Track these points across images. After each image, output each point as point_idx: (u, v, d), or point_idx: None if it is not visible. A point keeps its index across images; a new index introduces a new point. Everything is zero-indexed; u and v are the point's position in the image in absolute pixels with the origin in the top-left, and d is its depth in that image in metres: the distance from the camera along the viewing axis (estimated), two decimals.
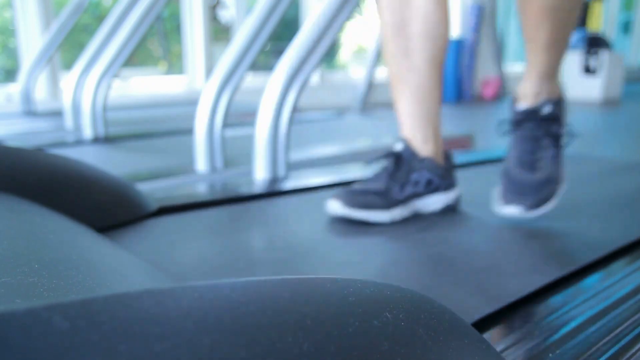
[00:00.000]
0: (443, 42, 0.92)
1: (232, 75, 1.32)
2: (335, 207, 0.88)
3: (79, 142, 1.77)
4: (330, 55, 4.94)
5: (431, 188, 0.93)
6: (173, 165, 1.38)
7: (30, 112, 2.43)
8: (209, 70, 3.71)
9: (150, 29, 1.85)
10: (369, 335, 0.29)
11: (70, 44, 3.21)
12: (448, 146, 1.03)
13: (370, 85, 2.87)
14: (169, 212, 0.92)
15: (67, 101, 2.01)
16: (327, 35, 1.18)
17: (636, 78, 6.74)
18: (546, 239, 0.84)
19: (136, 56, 3.59)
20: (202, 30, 3.71)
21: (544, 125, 0.93)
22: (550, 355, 0.49)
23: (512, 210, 0.88)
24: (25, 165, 0.75)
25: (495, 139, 1.06)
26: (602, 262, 0.74)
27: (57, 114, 2.25)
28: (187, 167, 1.35)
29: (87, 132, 1.82)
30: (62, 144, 1.71)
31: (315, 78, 4.29)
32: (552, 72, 0.94)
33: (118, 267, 0.53)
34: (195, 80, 3.83)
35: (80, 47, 2.27)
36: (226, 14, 4.11)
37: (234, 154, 1.41)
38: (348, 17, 1.20)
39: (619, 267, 0.72)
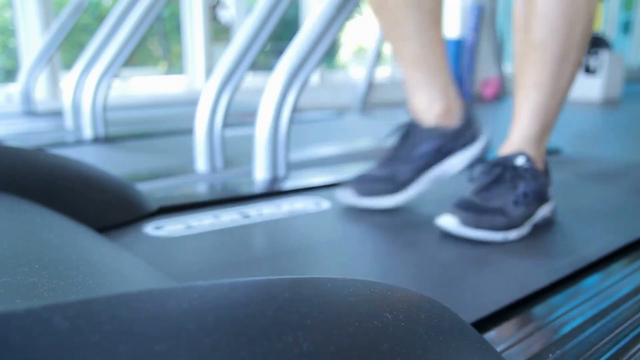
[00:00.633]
0: (428, 5, 0.88)
1: (232, 75, 1.32)
2: (344, 196, 0.92)
3: (79, 142, 1.77)
4: (330, 55, 4.94)
5: (442, 154, 0.92)
6: (173, 165, 1.38)
7: (30, 112, 2.43)
8: (209, 70, 3.71)
9: (150, 29, 1.85)
10: (369, 335, 0.29)
11: (70, 44, 3.21)
12: None
13: (370, 85, 2.87)
14: (169, 212, 0.92)
15: (67, 101, 2.00)
16: (327, 35, 1.18)
17: (636, 78, 6.74)
18: (546, 239, 0.84)
19: (136, 56, 3.59)
20: (202, 30, 3.71)
21: (512, 174, 0.85)
22: (550, 355, 0.49)
23: (446, 221, 0.80)
24: (25, 165, 0.75)
25: (495, 139, 1.06)
26: (602, 262, 0.74)
27: (57, 114, 2.25)
28: (187, 167, 1.35)
29: (87, 132, 1.82)
30: (62, 144, 1.71)
31: (315, 78, 4.29)
32: (537, 133, 0.87)
33: (118, 267, 0.53)
34: (195, 80, 3.83)
35: (80, 47, 2.27)
36: (226, 14, 4.11)
37: (234, 154, 1.41)
38: (348, 17, 1.20)
39: (619, 267, 0.72)
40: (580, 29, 0.83)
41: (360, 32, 5.01)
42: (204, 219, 0.90)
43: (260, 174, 1.21)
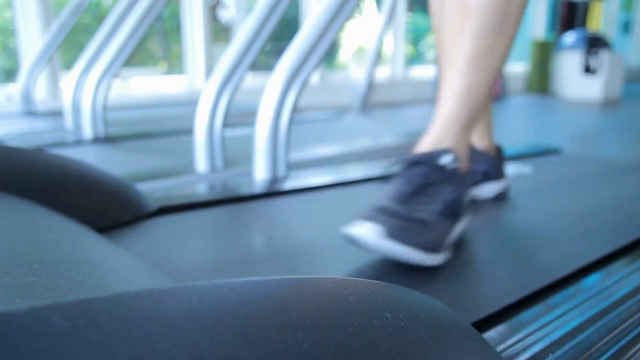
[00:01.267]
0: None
1: (232, 75, 1.32)
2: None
3: (79, 142, 1.77)
4: (330, 55, 4.94)
5: (485, 177, 1.00)
6: (173, 165, 1.38)
7: (30, 112, 2.43)
8: (209, 70, 3.71)
9: (150, 29, 1.85)
10: (369, 335, 0.29)
11: (70, 44, 3.21)
12: None
13: (370, 85, 2.87)
14: (169, 212, 0.92)
15: (67, 101, 2.00)
16: (327, 35, 1.18)
17: (636, 78, 6.74)
18: (546, 239, 0.84)
19: (136, 56, 3.59)
20: (202, 30, 3.71)
21: (437, 174, 0.71)
22: (550, 355, 0.49)
23: (362, 230, 0.63)
24: (25, 165, 0.75)
25: (495, 138, 1.07)
26: (602, 262, 0.74)
27: (57, 114, 2.25)
28: (187, 167, 1.34)
29: (87, 132, 1.82)
30: (62, 144, 1.71)
31: (315, 78, 4.29)
32: (468, 116, 0.76)
33: (118, 267, 0.53)
34: (195, 80, 3.83)
35: (80, 47, 2.27)
36: (226, 14, 4.11)
37: (234, 154, 1.41)
38: (348, 17, 1.20)
39: (619, 267, 0.72)
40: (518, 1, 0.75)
41: (360, 32, 5.01)
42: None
43: (260, 174, 1.21)
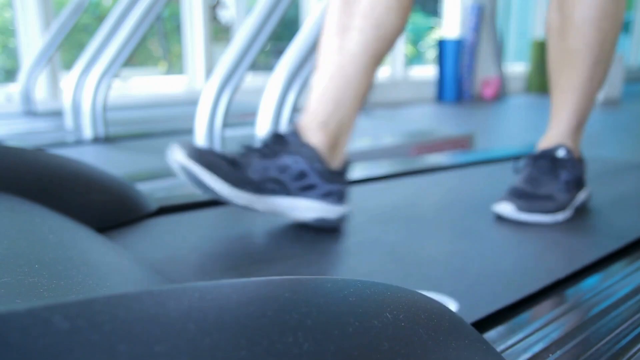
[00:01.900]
0: (387, 33, 0.80)
1: (232, 75, 1.32)
2: (176, 154, 0.78)
3: (79, 142, 1.77)
4: None
5: (302, 184, 0.77)
6: None
7: (30, 112, 2.43)
8: (209, 70, 3.72)
9: (150, 29, 1.85)
10: (369, 335, 0.29)
11: (70, 44, 3.21)
12: (448, 146, 1.03)
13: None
14: (169, 212, 0.92)
15: (67, 101, 2.01)
16: None
17: (636, 78, 6.75)
18: (546, 239, 0.84)
19: (136, 56, 3.59)
20: (202, 30, 3.71)
21: (556, 165, 0.95)
22: (550, 355, 0.49)
23: (503, 207, 0.89)
24: (25, 165, 0.75)
25: (495, 139, 1.07)
26: (602, 262, 0.74)
27: (57, 114, 2.25)
28: None
29: (87, 132, 1.82)
30: (62, 144, 1.72)
31: None
32: (574, 127, 0.98)
33: (118, 267, 0.53)
34: (195, 80, 3.83)
35: (80, 47, 2.27)
36: (226, 14, 4.11)
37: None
38: None
39: (619, 267, 0.72)
40: (611, 36, 0.93)
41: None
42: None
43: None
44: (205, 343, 0.23)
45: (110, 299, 0.23)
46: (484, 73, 5.56)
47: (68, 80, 2.04)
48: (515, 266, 0.72)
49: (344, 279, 0.33)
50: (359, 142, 1.80)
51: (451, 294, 0.63)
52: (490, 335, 0.54)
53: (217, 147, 1.32)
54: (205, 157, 0.74)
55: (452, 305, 0.58)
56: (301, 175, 0.77)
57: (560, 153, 0.94)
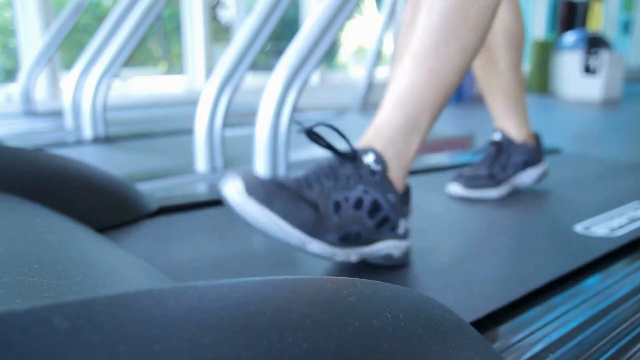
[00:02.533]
0: (522, 50, 1.09)
1: (232, 75, 1.32)
2: (456, 189, 1.05)
3: (79, 142, 1.77)
4: (330, 55, 4.94)
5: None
6: (173, 165, 1.38)
7: (30, 112, 2.43)
8: (209, 70, 3.72)
9: (150, 29, 1.85)
10: (369, 335, 0.29)
11: (70, 44, 3.21)
12: (448, 146, 1.03)
13: (370, 85, 2.87)
14: (169, 212, 0.92)
15: (67, 101, 2.00)
16: (327, 35, 1.18)
17: (636, 78, 6.74)
18: (545, 239, 0.84)
19: (136, 56, 3.59)
20: (202, 30, 3.71)
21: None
22: (550, 355, 0.49)
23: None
24: (25, 165, 0.75)
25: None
26: (602, 262, 0.74)
27: (57, 114, 2.25)
28: (187, 167, 1.34)
29: (87, 132, 1.82)
30: (62, 144, 1.71)
31: (315, 78, 4.29)
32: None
33: (118, 267, 0.53)
34: (195, 80, 3.83)
35: (80, 47, 2.27)
36: (226, 14, 4.11)
37: (234, 154, 1.41)
38: (348, 17, 1.20)
39: (619, 267, 0.72)
40: (479, 8, 0.70)
41: (360, 32, 5.01)
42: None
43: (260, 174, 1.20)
44: (205, 343, 0.23)
45: (110, 299, 0.23)
46: None
47: (68, 80, 2.04)
48: (515, 266, 0.72)
49: (344, 278, 0.33)
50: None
51: (451, 293, 0.63)
52: (490, 335, 0.54)
53: (217, 147, 1.32)
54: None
55: None
56: (525, 162, 1.11)
57: (367, 159, 0.70)
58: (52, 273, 0.42)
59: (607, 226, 0.88)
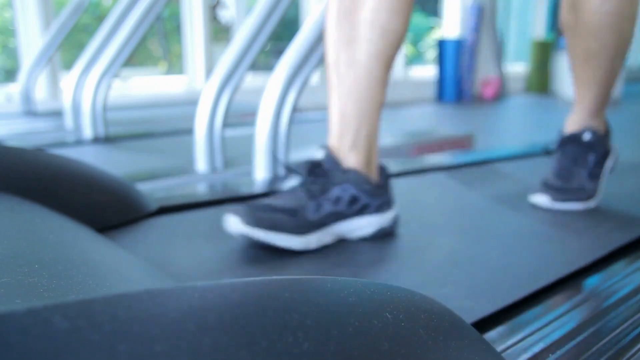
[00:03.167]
0: (395, 38, 0.79)
1: (232, 75, 1.32)
2: (233, 223, 0.72)
3: (79, 142, 1.77)
4: None
5: (357, 207, 0.78)
6: (173, 165, 1.38)
7: (30, 112, 2.43)
8: (209, 70, 3.72)
9: (150, 29, 1.85)
10: (369, 335, 0.29)
11: (70, 44, 3.21)
12: (448, 146, 1.03)
13: None
14: (169, 212, 0.92)
15: (67, 101, 2.01)
16: None
17: (636, 78, 6.75)
18: (545, 240, 0.84)
19: (136, 56, 3.59)
20: (202, 30, 3.71)
21: (583, 149, 1.02)
22: (550, 355, 0.49)
23: (539, 199, 0.99)
24: (25, 165, 0.75)
25: (495, 139, 1.08)
26: (602, 262, 0.74)
27: (57, 114, 2.25)
28: (187, 167, 1.35)
29: (87, 132, 1.82)
30: (62, 144, 1.71)
31: (315, 78, 4.29)
32: (596, 111, 1.03)
33: (118, 267, 0.53)
34: (195, 80, 3.83)
35: (80, 47, 2.27)
36: (226, 14, 4.11)
37: (234, 154, 1.41)
38: None
39: (619, 267, 0.72)
40: (627, 36, 0.96)
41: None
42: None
43: (260, 174, 1.21)
44: (205, 343, 0.23)
45: (110, 299, 0.23)
46: (484, 73, 5.56)
47: (68, 80, 2.04)
48: (514, 266, 0.72)
49: (344, 279, 0.33)
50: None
51: (451, 293, 0.63)
52: (490, 335, 0.54)
53: (217, 147, 1.32)
54: (264, 218, 0.73)
55: None
56: (353, 200, 0.79)
57: (586, 137, 1.01)
58: (52, 273, 0.42)
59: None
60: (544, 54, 5.86)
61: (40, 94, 3.04)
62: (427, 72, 5.64)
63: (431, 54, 6.04)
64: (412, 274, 0.70)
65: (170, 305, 0.24)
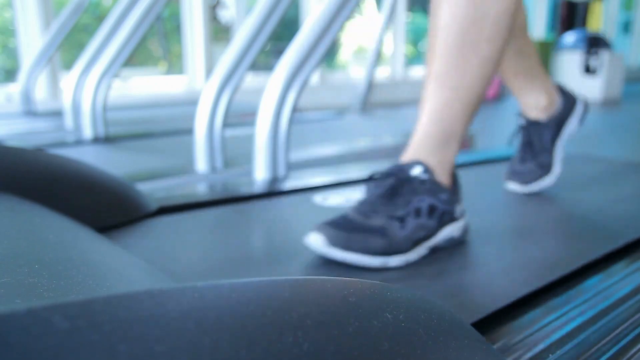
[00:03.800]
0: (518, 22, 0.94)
1: (232, 75, 1.32)
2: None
3: (79, 142, 1.77)
4: (330, 55, 4.94)
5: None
6: (173, 165, 1.38)
7: (30, 112, 2.43)
8: (209, 70, 3.71)
9: (150, 29, 1.85)
10: (369, 335, 0.29)
11: (70, 44, 3.21)
12: None
13: (370, 85, 2.87)
14: (169, 212, 0.92)
15: (67, 101, 2.01)
16: (327, 35, 1.18)
17: (636, 78, 6.74)
18: (545, 240, 0.84)
19: (136, 56, 3.59)
20: (202, 30, 3.71)
21: (407, 187, 0.76)
22: (550, 355, 0.49)
23: (313, 239, 0.71)
24: (25, 165, 0.75)
25: (495, 138, 1.08)
26: (602, 262, 0.74)
27: (57, 114, 2.25)
28: (187, 167, 1.34)
29: (87, 132, 1.82)
30: (62, 144, 1.71)
31: (315, 78, 4.29)
32: (438, 142, 0.80)
33: (118, 267, 0.53)
34: (195, 80, 3.83)
35: (80, 47, 2.27)
36: (226, 14, 4.11)
37: (234, 154, 1.41)
38: (348, 17, 1.20)
39: (619, 267, 0.72)
40: (493, 17, 0.73)
41: (360, 32, 5.01)
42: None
43: (260, 174, 1.21)
44: (205, 343, 0.23)
45: (110, 299, 0.23)
46: None
47: (68, 80, 2.04)
48: (514, 266, 0.72)
49: (344, 279, 0.33)
50: (359, 142, 1.80)
51: (451, 293, 0.63)
52: (490, 335, 0.54)
53: (217, 147, 1.32)
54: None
55: None
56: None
57: (415, 171, 0.75)
58: (52, 273, 0.42)
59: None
60: (544, 54, 5.86)
61: (40, 94, 3.04)
62: None
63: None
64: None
65: (170, 305, 0.24)
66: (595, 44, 4.89)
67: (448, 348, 0.34)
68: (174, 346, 0.23)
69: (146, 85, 3.78)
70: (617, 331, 0.54)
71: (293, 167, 1.28)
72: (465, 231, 0.80)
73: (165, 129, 1.99)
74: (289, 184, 1.14)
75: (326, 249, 0.69)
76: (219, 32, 4.08)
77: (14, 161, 0.74)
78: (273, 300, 0.28)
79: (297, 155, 1.45)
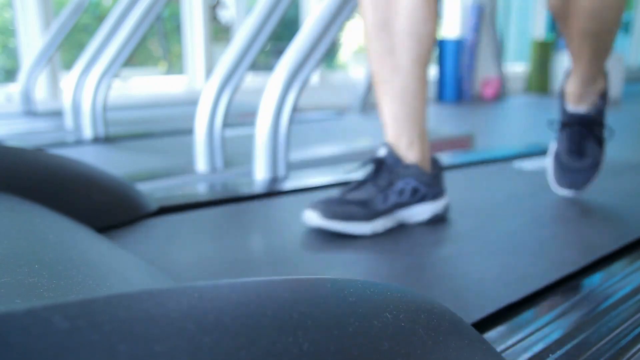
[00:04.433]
0: (429, 41, 0.87)
1: (232, 75, 1.32)
2: (312, 217, 0.82)
3: (79, 142, 1.77)
4: (330, 55, 4.94)
5: (417, 197, 0.89)
6: (173, 165, 1.38)
7: (30, 112, 2.44)
8: (209, 70, 3.72)
9: (150, 29, 1.85)
10: (369, 335, 0.29)
11: (70, 44, 3.21)
12: (448, 146, 1.03)
13: (370, 85, 2.87)
14: (169, 212, 0.92)
15: (67, 101, 2.01)
16: (327, 35, 1.18)
17: (636, 78, 6.74)
18: (545, 240, 0.84)
19: (136, 56, 3.59)
20: (202, 30, 3.71)
21: (589, 126, 1.05)
22: (550, 355, 0.49)
23: (567, 193, 1.04)
24: (25, 165, 0.75)
25: (495, 139, 1.07)
26: (602, 262, 0.74)
27: (57, 114, 2.25)
28: (187, 167, 1.35)
29: (87, 132, 1.82)
30: (62, 144, 1.72)
31: (315, 78, 4.29)
32: (595, 76, 1.03)
33: (118, 267, 0.53)
34: (195, 80, 3.83)
35: (80, 47, 2.27)
36: (226, 14, 4.11)
37: (234, 154, 1.41)
38: (348, 17, 1.20)
39: (619, 267, 0.72)
40: (621, 5, 0.94)
41: (360, 32, 5.01)
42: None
43: (260, 174, 1.21)
44: (205, 343, 0.23)
45: (110, 299, 0.23)
46: (484, 73, 5.56)
47: (68, 80, 2.04)
48: (514, 266, 0.72)
49: (344, 279, 0.33)
50: (359, 142, 1.80)
51: (450, 293, 0.63)
52: (490, 335, 0.54)
53: (217, 147, 1.32)
54: (339, 211, 0.83)
55: None
56: (415, 191, 0.88)
57: (592, 113, 1.05)
58: (52, 273, 0.42)
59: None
60: (544, 54, 5.85)
61: (40, 94, 3.04)
62: None
63: None
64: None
65: (170, 305, 0.24)
66: None
67: (448, 348, 0.34)
68: (174, 346, 0.23)
69: (146, 85, 3.78)
70: (617, 331, 0.54)
71: (293, 167, 1.28)
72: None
73: (165, 129, 1.99)
74: (289, 184, 1.14)
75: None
76: (219, 32, 4.08)
77: (14, 161, 0.74)
78: (273, 300, 0.28)
79: (297, 155, 1.45)
